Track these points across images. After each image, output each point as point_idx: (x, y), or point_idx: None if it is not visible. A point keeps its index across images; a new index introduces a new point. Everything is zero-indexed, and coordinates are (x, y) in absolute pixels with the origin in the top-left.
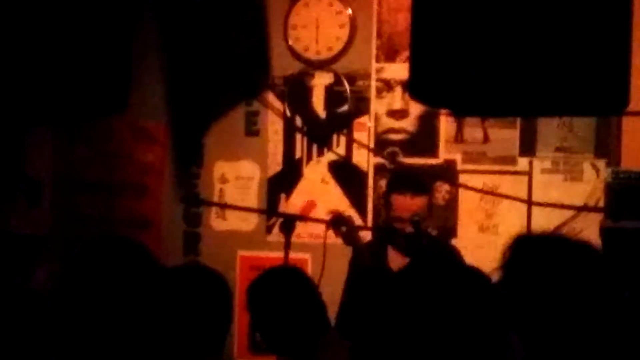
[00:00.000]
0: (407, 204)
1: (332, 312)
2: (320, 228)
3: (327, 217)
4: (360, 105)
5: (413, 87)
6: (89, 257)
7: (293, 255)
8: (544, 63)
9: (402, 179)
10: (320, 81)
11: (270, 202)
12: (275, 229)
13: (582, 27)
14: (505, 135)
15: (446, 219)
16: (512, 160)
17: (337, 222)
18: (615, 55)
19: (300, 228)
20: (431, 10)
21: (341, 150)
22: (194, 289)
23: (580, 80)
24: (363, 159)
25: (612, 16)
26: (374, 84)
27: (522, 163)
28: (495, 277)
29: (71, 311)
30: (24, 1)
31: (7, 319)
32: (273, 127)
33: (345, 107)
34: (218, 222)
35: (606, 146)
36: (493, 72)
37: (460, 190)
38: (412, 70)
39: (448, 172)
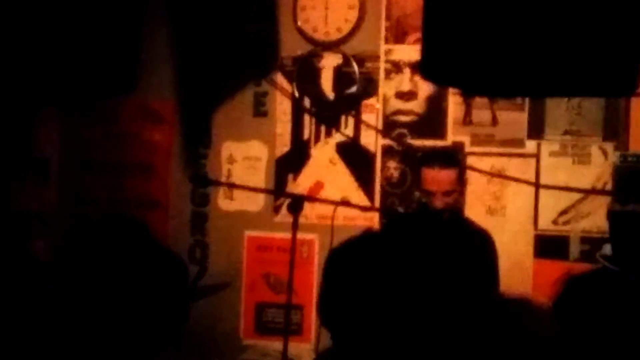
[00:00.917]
0: (437, 177)
1: None
2: (328, 209)
3: (334, 199)
4: (369, 87)
5: (424, 67)
6: (86, 232)
7: (300, 235)
8: (555, 44)
9: (432, 154)
10: (329, 62)
11: (278, 182)
12: (283, 210)
13: (594, 8)
14: (514, 118)
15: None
16: (520, 143)
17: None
18: (626, 37)
19: (308, 209)
20: None
21: (349, 131)
22: (151, 271)
23: (591, 61)
24: (371, 140)
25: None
26: (382, 65)
27: (531, 146)
28: None
29: (62, 283)
30: None
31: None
32: (281, 107)
33: (353, 89)
34: (225, 203)
35: (615, 129)
36: (504, 52)
37: (468, 173)
38: (424, 49)
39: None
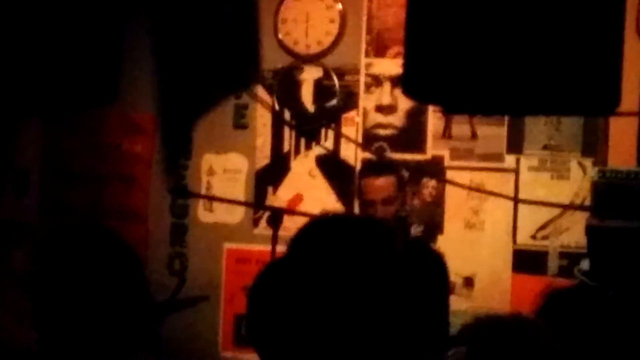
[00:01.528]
0: (375, 185)
1: None
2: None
3: (314, 212)
4: (349, 100)
5: (406, 84)
6: (58, 242)
7: (280, 248)
8: (536, 62)
9: (368, 164)
10: (310, 75)
11: (257, 195)
12: (262, 222)
13: (574, 27)
14: (493, 133)
15: (433, 215)
16: (500, 158)
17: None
18: (607, 55)
19: (288, 222)
20: (425, 6)
21: (329, 144)
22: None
23: (572, 80)
24: (351, 153)
25: (604, 16)
26: (362, 79)
27: (510, 160)
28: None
29: (40, 292)
30: None
31: None
32: (262, 120)
33: (333, 102)
34: (205, 215)
35: (593, 145)
36: (485, 70)
37: (447, 187)
38: (405, 66)
39: (435, 168)
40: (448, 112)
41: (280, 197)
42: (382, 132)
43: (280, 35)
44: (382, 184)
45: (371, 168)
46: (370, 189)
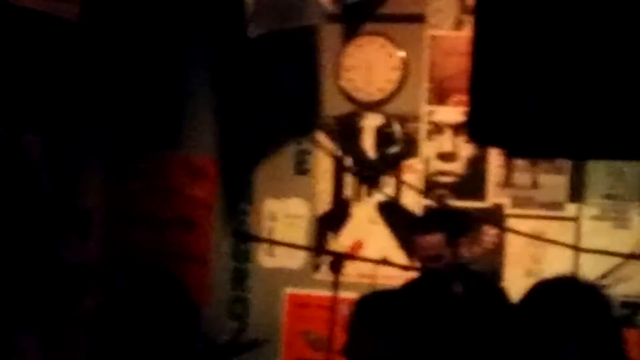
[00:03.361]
0: (424, 243)
1: None
2: (368, 268)
3: (374, 258)
4: (410, 147)
5: (469, 127)
6: (119, 287)
7: (340, 294)
8: (602, 107)
9: (418, 219)
10: (371, 122)
11: (318, 240)
12: (323, 267)
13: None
14: (554, 181)
15: (493, 263)
16: (560, 206)
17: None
18: None
19: (349, 267)
20: (492, 51)
21: (390, 191)
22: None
23: (636, 124)
24: (412, 200)
25: None
26: (424, 126)
27: (570, 209)
28: None
29: (100, 336)
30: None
31: None
32: (323, 166)
33: (395, 149)
34: (266, 259)
35: None
36: (552, 115)
37: (508, 235)
38: (470, 109)
39: (496, 216)
40: (512, 155)
41: (340, 243)
42: (443, 179)
43: (342, 82)
44: (430, 242)
45: (418, 223)
46: (421, 247)
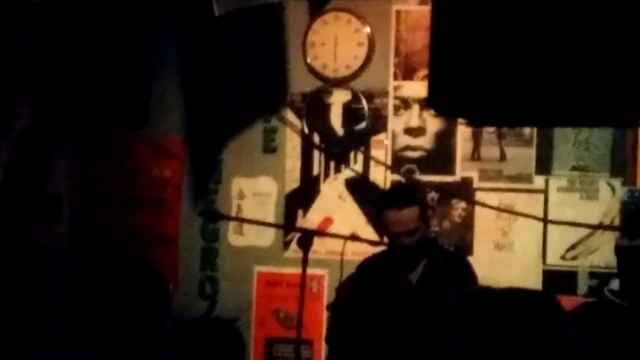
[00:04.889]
0: (397, 217)
1: None
2: (337, 244)
3: (344, 234)
4: (378, 123)
5: (432, 99)
6: (93, 270)
7: (310, 271)
8: (561, 74)
9: (389, 194)
10: (338, 98)
11: (287, 218)
12: (293, 245)
13: (600, 39)
14: (522, 154)
15: (462, 236)
16: (528, 179)
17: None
18: (632, 68)
19: (318, 244)
20: (450, 22)
21: (358, 167)
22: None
23: (598, 91)
24: (380, 176)
25: (631, 29)
26: (391, 101)
27: (539, 181)
28: None
29: (69, 318)
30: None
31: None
32: (291, 143)
33: (362, 125)
34: (235, 238)
35: (622, 165)
36: (511, 82)
37: (477, 208)
38: (431, 82)
39: (464, 190)
40: (475, 125)
41: (310, 220)
42: (411, 154)
43: (308, 59)
44: (405, 216)
45: (389, 198)
46: (394, 222)
